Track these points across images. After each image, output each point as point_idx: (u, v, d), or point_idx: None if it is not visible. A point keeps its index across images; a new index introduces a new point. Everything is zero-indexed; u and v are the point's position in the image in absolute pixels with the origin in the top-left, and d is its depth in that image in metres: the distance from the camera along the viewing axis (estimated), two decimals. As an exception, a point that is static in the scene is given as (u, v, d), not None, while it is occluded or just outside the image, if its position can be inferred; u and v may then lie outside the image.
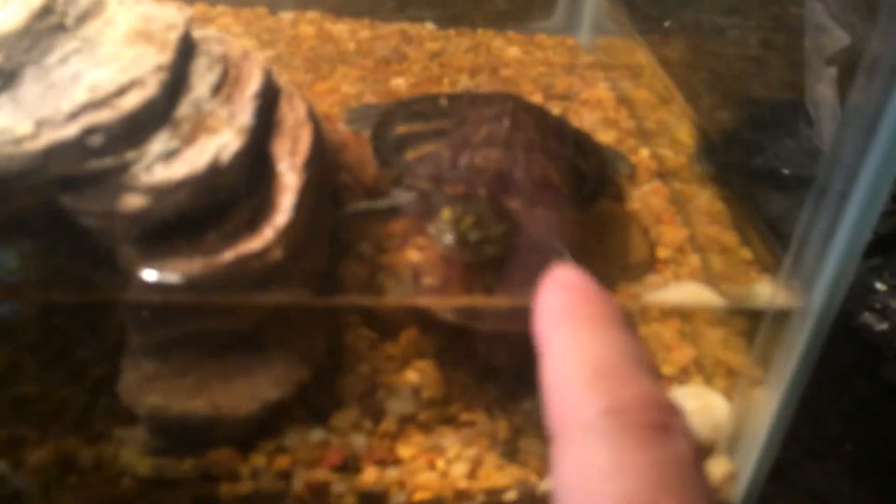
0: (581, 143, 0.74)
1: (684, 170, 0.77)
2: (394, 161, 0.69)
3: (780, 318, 0.53)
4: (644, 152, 0.79)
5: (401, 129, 0.72)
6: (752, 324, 0.57)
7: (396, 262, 0.64)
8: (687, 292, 0.61)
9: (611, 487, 0.18)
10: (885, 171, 0.45)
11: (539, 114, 0.76)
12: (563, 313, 0.21)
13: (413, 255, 0.65)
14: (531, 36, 1.07)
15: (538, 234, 0.60)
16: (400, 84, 0.89)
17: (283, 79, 0.67)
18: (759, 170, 0.83)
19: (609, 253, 0.65)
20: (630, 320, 0.21)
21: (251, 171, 0.54)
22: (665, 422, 0.19)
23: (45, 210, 0.47)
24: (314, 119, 0.65)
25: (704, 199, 0.72)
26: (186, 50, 0.58)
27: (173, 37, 0.56)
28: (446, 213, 0.57)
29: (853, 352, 0.89)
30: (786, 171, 0.82)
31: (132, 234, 0.48)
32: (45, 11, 0.52)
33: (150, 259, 0.48)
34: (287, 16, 1.02)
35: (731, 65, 1.00)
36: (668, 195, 0.73)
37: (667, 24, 1.11)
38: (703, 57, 1.03)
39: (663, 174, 0.76)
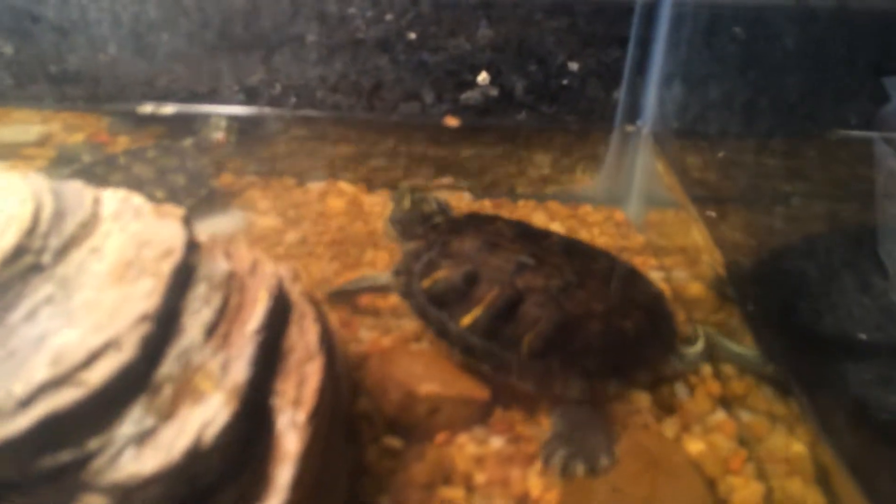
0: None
1: (752, 393, 0.66)
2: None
3: None
4: (706, 370, 0.68)
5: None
6: None
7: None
8: None
9: None
10: None
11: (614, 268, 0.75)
12: None
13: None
14: (575, 207, 0.99)
15: None
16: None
17: (296, 290, 0.60)
18: (829, 334, 0.73)
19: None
20: None
21: (243, 438, 0.46)
22: None
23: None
24: (328, 343, 0.57)
25: (779, 438, 0.61)
26: (183, 280, 0.50)
27: (167, 268, 0.49)
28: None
29: None
30: (862, 336, 0.71)
31: (88, 542, 0.40)
32: (18, 253, 0.45)
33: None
34: (316, 187, 0.96)
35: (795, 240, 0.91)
36: (735, 432, 0.62)
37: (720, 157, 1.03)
38: (764, 235, 0.94)
39: (727, 400, 0.65)
